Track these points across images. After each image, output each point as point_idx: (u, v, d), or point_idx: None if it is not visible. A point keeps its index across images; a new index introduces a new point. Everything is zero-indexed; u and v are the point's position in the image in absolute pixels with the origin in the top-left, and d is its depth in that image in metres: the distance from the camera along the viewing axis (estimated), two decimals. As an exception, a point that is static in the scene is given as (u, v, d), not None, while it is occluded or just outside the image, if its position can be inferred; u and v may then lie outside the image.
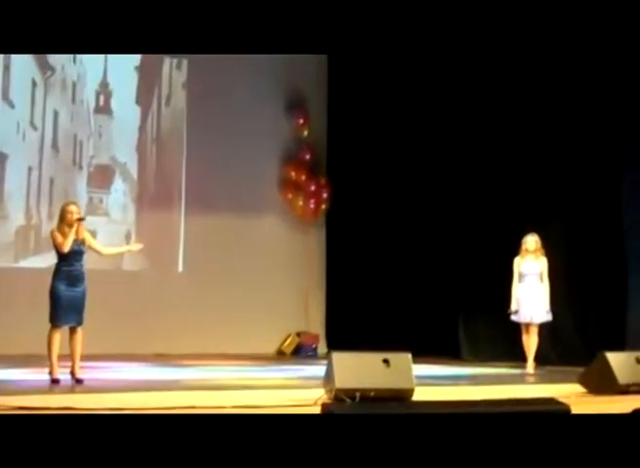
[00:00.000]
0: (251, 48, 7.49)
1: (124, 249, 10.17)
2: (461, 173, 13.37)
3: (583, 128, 12.18)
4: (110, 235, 13.22)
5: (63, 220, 9.05)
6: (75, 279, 9.00)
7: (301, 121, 14.67)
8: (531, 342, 11.30)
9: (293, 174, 14.64)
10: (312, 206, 14.62)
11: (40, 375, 9.18)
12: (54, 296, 8.96)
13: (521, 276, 11.36)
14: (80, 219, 9.05)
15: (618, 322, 11.70)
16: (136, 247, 9.91)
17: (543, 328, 11.45)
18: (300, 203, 14.60)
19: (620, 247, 11.86)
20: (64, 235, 8.98)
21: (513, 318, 11.39)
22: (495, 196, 12.93)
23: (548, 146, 12.49)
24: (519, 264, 11.36)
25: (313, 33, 7.26)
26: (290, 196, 14.63)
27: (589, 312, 12.07)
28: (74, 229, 8.98)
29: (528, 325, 11.34)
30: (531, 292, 11.28)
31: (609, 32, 7.92)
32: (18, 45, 6.86)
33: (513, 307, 11.31)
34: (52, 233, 9.11)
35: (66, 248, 8.92)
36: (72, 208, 9.14)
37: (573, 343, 11.89)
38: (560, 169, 12.37)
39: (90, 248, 9.26)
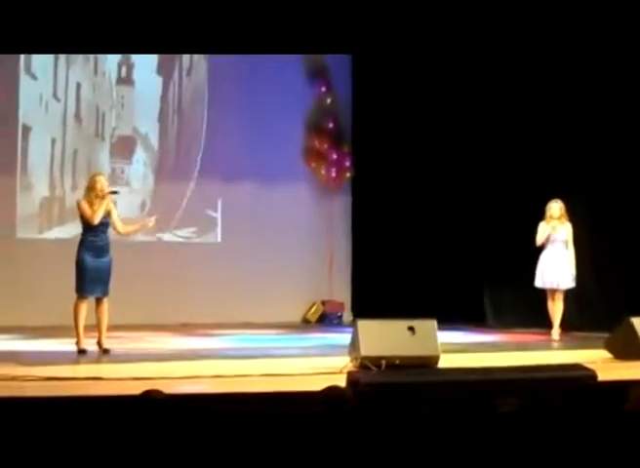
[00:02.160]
0: (273, 48, 7.51)
1: (140, 226, 9.91)
2: (488, 141, 13.26)
3: (608, 97, 12.06)
4: (131, 205, 13.25)
5: (92, 190, 9.06)
6: (101, 250, 9.05)
7: (324, 89, 14.60)
8: (556, 309, 11.24)
9: (316, 142, 14.59)
10: (334, 174, 14.58)
11: (67, 346, 9.25)
12: (80, 267, 9.00)
13: (547, 241, 11.28)
14: (114, 192, 9.08)
15: (644, 287, 11.65)
16: (150, 222, 9.73)
17: (569, 294, 11.41)
18: (323, 171, 14.56)
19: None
20: (92, 205, 9.00)
21: (538, 284, 11.33)
22: (520, 164, 12.82)
23: (572, 114, 12.38)
24: (544, 230, 11.28)
25: (338, 29, 7.25)
26: (313, 165, 14.59)
27: (615, 277, 12.00)
28: (105, 202, 9.00)
29: (554, 291, 11.27)
30: (556, 258, 11.21)
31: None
32: (38, 45, 6.92)
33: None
34: (79, 204, 9.11)
35: (96, 220, 8.95)
36: (102, 179, 9.19)
37: (598, 309, 11.83)
38: (584, 136, 12.27)
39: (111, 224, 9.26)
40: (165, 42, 6.87)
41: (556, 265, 11.20)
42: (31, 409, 4.48)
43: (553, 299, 11.26)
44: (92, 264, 8.98)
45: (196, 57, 14.22)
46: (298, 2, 6.90)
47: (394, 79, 14.20)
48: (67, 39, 6.69)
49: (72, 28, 6.60)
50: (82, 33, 6.66)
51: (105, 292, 9.07)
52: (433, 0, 7.43)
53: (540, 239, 11.25)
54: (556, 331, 11.16)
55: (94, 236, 9.02)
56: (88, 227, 9.04)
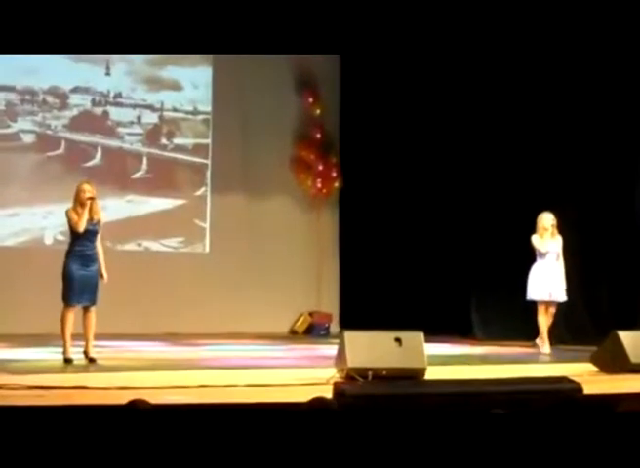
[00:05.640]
0: (263, 48, 7.51)
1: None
2: (476, 152, 13.29)
3: (599, 110, 12.11)
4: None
5: (77, 200, 9.11)
6: (88, 259, 9.05)
7: (311, 100, 14.61)
8: (548, 321, 11.10)
9: (303, 153, 14.60)
10: (319, 185, 14.57)
11: (53, 355, 9.23)
12: (67, 277, 9.00)
13: (539, 254, 11.16)
14: (91, 199, 9.07)
15: (630, 301, 11.68)
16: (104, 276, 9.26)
17: (558, 307, 11.35)
18: (310, 182, 14.56)
19: (633, 226, 11.82)
20: (79, 215, 9.02)
21: (532, 297, 11.13)
22: (509, 175, 12.86)
23: (563, 127, 12.42)
24: (541, 241, 11.13)
25: (326, 30, 7.25)
26: (301, 175, 14.60)
27: (602, 291, 12.04)
28: (86, 209, 9.02)
29: (547, 304, 11.08)
30: (549, 271, 11.08)
31: (631, 23, 7.89)
32: (37, 45, 6.94)
33: None
34: (67, 213, 9.15)
35: (81, 227, 8.98)
36: (86, 187, 9.19)
37: (585, 322, 11.87)
38: (574, 149, 12.31)
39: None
40: (153, 40, 6.90)
41: (549, 278, 11.06)
42: (16, 416, 4.45)
43: (546, 312, 11.12)
44: (79, 273, 8.98)
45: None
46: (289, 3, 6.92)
47: (382, 89, 14.24)
48: (65, 39, 6.71)
49: (71, 28, 6.61)
50: (80, 33, 6.67)
51: (93, 302, 9.07)
52: (420, 12, 7.43)
53: (543, 248, 11.13)
54: (546, 344, 11.05)
55: (80, 245, 9.04)
56: (75, 236, 9.05)
